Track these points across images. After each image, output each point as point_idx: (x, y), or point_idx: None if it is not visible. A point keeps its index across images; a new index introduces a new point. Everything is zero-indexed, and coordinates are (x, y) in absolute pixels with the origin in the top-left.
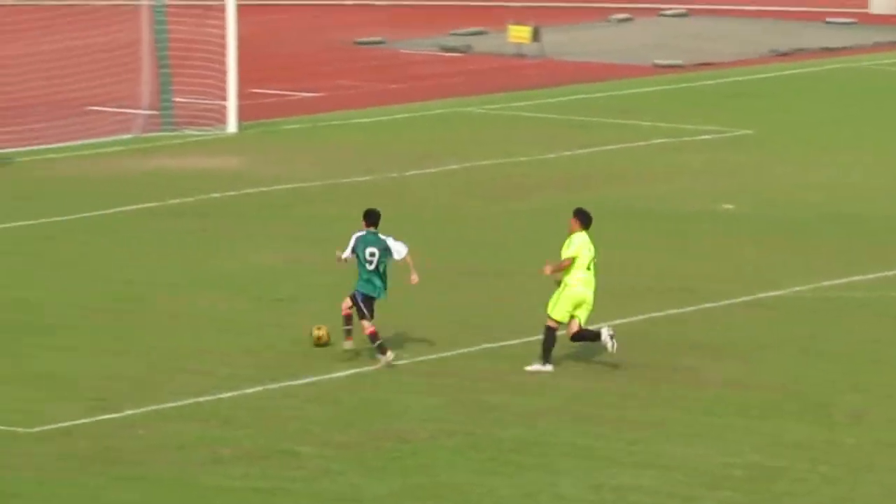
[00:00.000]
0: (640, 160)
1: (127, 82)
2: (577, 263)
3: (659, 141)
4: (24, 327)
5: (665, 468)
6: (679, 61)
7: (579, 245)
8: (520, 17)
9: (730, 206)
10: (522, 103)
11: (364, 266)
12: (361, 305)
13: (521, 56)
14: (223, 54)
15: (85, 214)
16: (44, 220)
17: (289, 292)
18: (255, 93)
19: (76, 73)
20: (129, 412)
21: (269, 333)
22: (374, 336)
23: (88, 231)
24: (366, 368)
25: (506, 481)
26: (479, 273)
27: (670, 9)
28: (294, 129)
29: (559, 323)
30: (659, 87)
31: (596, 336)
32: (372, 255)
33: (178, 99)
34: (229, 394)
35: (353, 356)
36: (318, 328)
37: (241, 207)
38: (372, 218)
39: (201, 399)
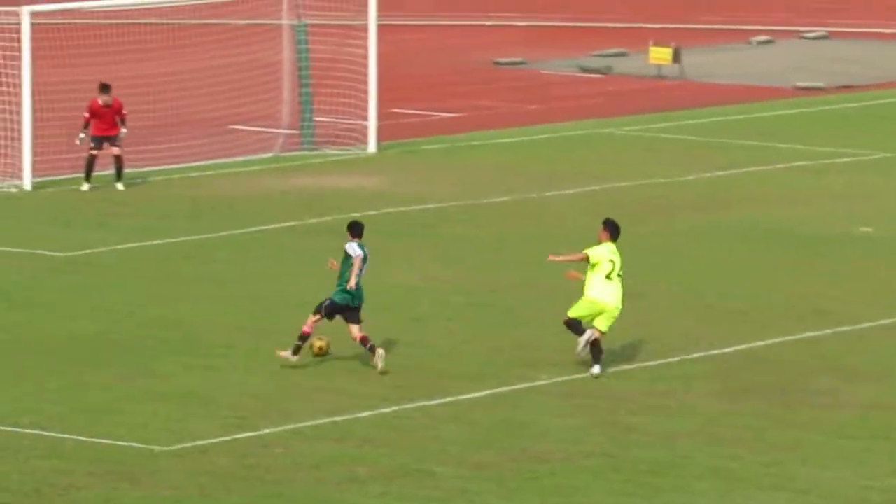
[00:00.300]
0: (780, 182)
1: (268, 101)
2: (597, 270)
3: (798, 163)
4: (164, 345)
5: (801, 491)
6: (820, 84)
7: (601, 253)
8: (660, 38)
9: (868, 229)
10: (662, 125)
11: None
12: (327, 313)
13: (661, 78)
14: (364, 74)
15: (224, 233)
16: (183, 238)
17: (426, 311)
18: (395, 112)
19: (218, 91)
20: (267, 430)
21: (406, 352)
22: (365, 340)
23: (228, 249)
24: (503, 389)
25: (643, 503)
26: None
27: (811, 31)
28: (433, 149)
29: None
30: (799, 110)
31: (581, 332)
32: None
33: (318, 118)
34: (366, 413)
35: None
36: (319, 339)
37: (380, 227)
38: (357, 230)
39: (338, 418)
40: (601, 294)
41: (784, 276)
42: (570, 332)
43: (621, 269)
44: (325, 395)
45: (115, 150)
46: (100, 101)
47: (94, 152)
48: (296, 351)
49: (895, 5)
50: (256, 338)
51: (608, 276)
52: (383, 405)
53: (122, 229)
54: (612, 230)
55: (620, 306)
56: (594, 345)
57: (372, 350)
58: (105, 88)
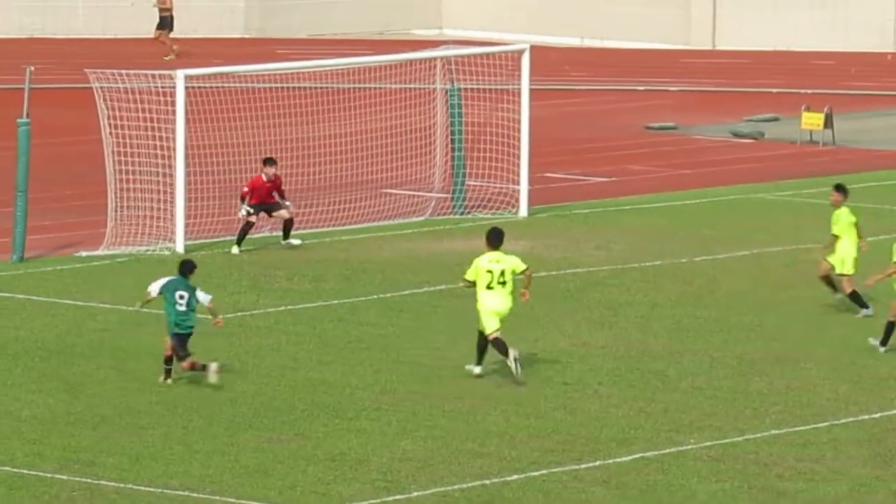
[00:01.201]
0: None
1: (421, 165)
2: (479, 284)
3: None
4: (315, 407)
5: None
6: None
7: (477, 267)
8: (813, 103)
9: None
10: (813, 190)
11: (174, 307)
12: (178, 348)
13: (812, 143)
14: (516, 138)
15: (376, 296)
16: (335, 301)
17: (576, 375)
18: (546, 177)
19: (372, 155)
20: (416, 493)
21: (556, 416)
22: (194, 365)
23: (379, 312)
24: (651, 453)
25: None
26: (766, 359)
27: None
28: (584, 213)
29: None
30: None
31: (505, 352)
32: (181, 297)
33: (470, 182)
34: (515, 476)
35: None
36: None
37: (531, 291)
38: (185, 268)
39: (487, 482)
40: (490, 304)
41: None
42: (497, 351)
43: (504, 273)
44: (475, 458)
45: (286, 214)
46: (263, 178)
47: (252, 219)
48: (167, 374)
49: None
50: (407, 401)
51: (489, 286)
52: (532, 468)
53: (275, 292)
54: (491, 239)
55: (510, 306)
56: (497, 343)
57: (204, 368)
58: (269, 162)
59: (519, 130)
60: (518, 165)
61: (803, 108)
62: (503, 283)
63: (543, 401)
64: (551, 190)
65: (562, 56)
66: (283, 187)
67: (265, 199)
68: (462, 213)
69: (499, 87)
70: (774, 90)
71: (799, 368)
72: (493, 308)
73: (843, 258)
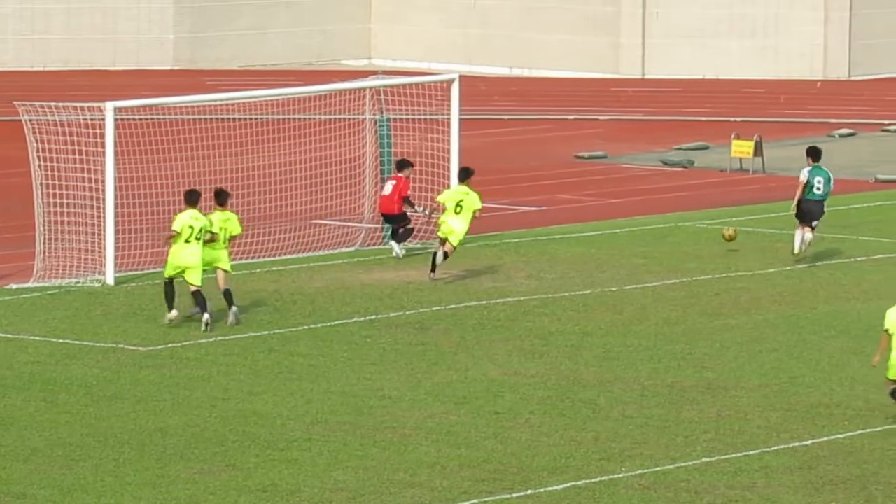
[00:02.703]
0: (861, 275)
1: (350, 196)
2: (179, 237)
3: (880, 256)
4: (247, 439)
5: None
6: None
7: (179, 221)
8: (742, 131)
9: None
10: (743, 218)
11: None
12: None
13: (742, 171)
14: (446, 168)
15: (307, 327)
16: (266, 332)
17: (507, 405)
18: None
19: (301, 186)
20: None
21: (487, 446)
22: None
23: (310, 343)
24: (582, 481)
25: None
26: (697, 387)
27: (894, 124)
28: (514, 242)
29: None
30: (880, 202)
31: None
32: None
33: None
34: None
35: None
36: (727, 228)
37: (461, 320)
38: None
39: None
40: (182, 258)
41: (867, 369)
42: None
43: (201, 230)
44: (406, 488)
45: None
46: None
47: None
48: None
49: None
50: (338, 431)
51: (187, 240)
52: (463, 498)
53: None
54: (217, 197)
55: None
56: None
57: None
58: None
59: (449, 160)
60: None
61: (733, 136)
62: (199, 239)
63: (475, 430)
64: (481, 219)
65: (491, 86)
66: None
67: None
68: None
69: (428, 116)
70: (704, 118)
71: (730, 396)
72: (185, 262)
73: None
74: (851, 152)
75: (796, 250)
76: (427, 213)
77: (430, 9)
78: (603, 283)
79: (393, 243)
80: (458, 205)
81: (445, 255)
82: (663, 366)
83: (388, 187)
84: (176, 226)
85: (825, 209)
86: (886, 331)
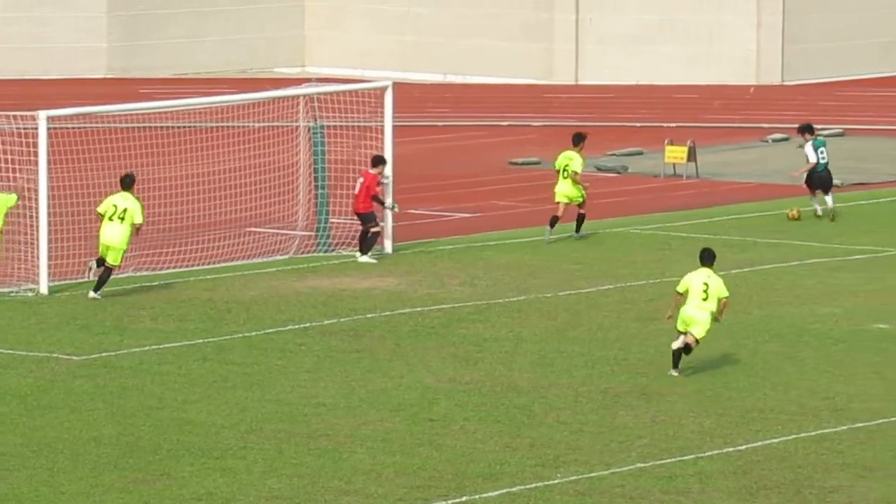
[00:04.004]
0: (795, 280)
1: (284, 203)
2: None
3: (813, 261)
4: (181, 447)
5: None
6: (836, 181)
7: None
8: (676, 137)
9: (884, 326)
10: (677, 223)
11: None
12: None
13: (676, 176)
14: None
15: (241, 335)
16: (200, 340)
17: (442, 412)
18: (411, 213)
19: (235, 194)
20: None
21: (422, 453)
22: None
23: (244, 351)
24: (517, 488)
25: None
26: (631, 393)
27: (827, 129)
28: (449, 249)
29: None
30: (814, 207)
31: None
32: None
33: (334, 220)
34: None
35: None
36: (792, 210)
37: (396, 327)
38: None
39: None
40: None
41: (800, 373)
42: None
43: (122, 211)
44: (341, 496)
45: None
46: None
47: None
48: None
49: None
50: (273, 439)
51: (110, 218)
52: None
53: (140, 332)
54: (123, 181)
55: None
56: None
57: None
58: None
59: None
60: (382, 202)
61: (666, 141)
62: (122, 218)
63: (409, 437)
64: (416, 226)
65: (425, 92)
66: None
67: None
68: (326, 251)
69: (362, 123)
70: (638, 124)
71: (664, 402)
72: (109, 241)
73: None
74: (785, 157)
75: (819, 213)
76: (394, 208)
77: (363, 16)
78: (537, 290)
79: (362, 259)
80: (564, 169)
81: (555, 219)
82: (598, 371)
83: (357, 185)
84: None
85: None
86: (678, 292)
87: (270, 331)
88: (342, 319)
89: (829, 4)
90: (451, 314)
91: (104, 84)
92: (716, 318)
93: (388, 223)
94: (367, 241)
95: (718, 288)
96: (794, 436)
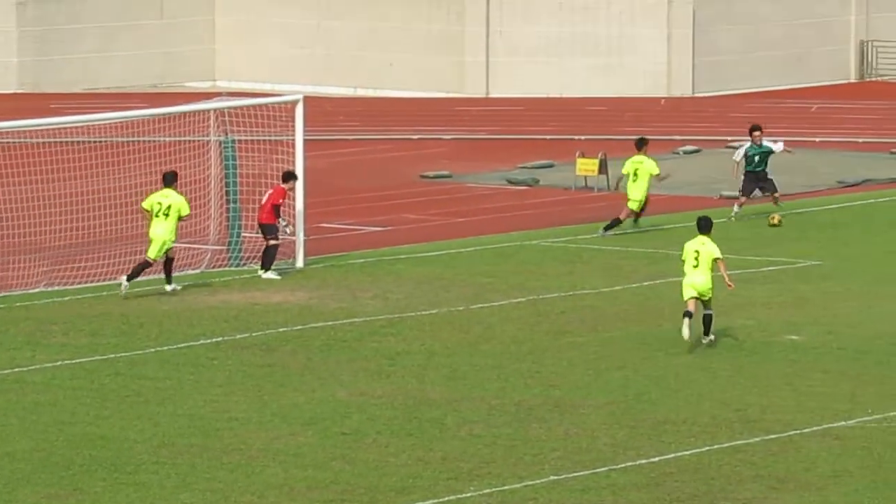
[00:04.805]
0: None
1: (196, 217)
2: None
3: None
4: (94, 462)
5: None
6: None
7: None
8: (587, 149)
9: (795, 337)
10: (588, 236)
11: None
12: None
13: (588, 189)
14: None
15: (153, 349)
16: (112, 355)
17: (354, 425)
18: (323, 227)
19: None
20: None
21: (335, 467)
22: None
23: (157, 366)
24: (430, 501)
25: None
26: (544, 406)
27: (737, 140)
28: (360, 263)
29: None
30: (725, 219)
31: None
32: None
33: (245, 234)
34: None
35: None
36: (773, 217)
37: (308, 342)
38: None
39: None
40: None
41: (712, 385)
42: None
43: (167, 207)
44: None
45: None
46: None
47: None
48: None
49: (821, 114)
50: (186, 454)
51: (156, 215)
52: None
53: (52, 347)
54: (165, 179)
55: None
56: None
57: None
58: None
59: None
60: (293, 216)
61: (578, 154)
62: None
63: (322, 451)
64: (327, 240)
65: (336, 106)
66: None
67: None
68: (238, 265)
69: (273, 137)
70: (549, 137)
71: (577, 414)
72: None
73: None
74: (696, 169)
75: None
76: (289, 230)
77: (274, 30)
78: (449, 303)
79: (264, 275)
80: (634, 173)
81: (618, 221)
82: (510, 384)
83: (266, 196)
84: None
85: None
86: (682, 260)
87: (183, 345)
88: (254, 334)
89: (738, 17)
90: (363, 328)
91: (15, 99)
92: (727, 284)
93: (299, 237)
94: (267, 256)
95: (709, 252)
96: (706, 447)
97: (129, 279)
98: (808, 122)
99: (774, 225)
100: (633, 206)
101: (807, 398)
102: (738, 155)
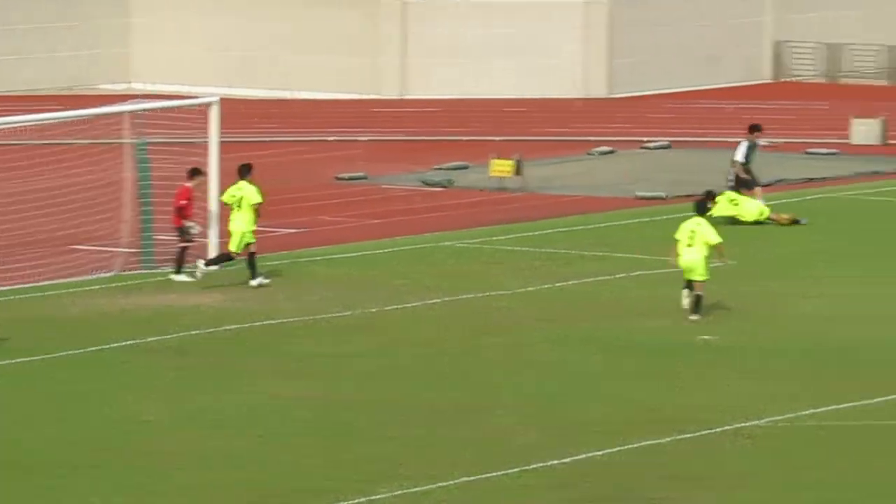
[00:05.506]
0: (621, 292)
1: (109, 220)
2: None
3: (640, 273)
4: (5, 466)
5: None
6: (661, 193)
7: None
8: (502, 151)
9: (709, 337)
10: (504, 237)
11: None
12: None
13: (503, 190)
14: (204, 192)
15: (64, 353)
16: (23, 359)
17: (268, 427)
18: None
19: (59, 212)
20: None
21: (248, 468)
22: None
23: (68, 370)
24: (342, 503)
25: None
26: (457, 407)
27: (653, 141)
28: (275, 265)
29: None
30: (640, 220)
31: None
32: None
33: (158, 237)
34: None
35: None
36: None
37: (221, 344)
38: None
39: None
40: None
41: (626, 385)
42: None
43: (239, 199)
44: None
45: None
46: None
47: None
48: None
49: (736, 115)
50: (100, 457)
51: (234, 208)
52: None
53: None
54: (240, 171)
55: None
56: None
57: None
58: None
59: (208, 183)
60: (206, 218)
61: (493, 155)
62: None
63: (235, 454)
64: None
65: (251, 108)
66: None
67: None
68: (151, 268)
69: (188, 140)
70: (464, 138)
71: (490, 415)
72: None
73: None
74: (611, 170)
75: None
76: (193, 231)
77: (189, 32)
78: (363, 304)
79: (176, 278)
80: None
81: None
82: (424, 386)
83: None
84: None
85: None
86: (676, 239)
87: (94, 349)
88: (167, 336)
89: (654, 18)
90: (277, 330)
91: None
92: (723, 262)
93: (212, 239)
94: (177, 258)
95: (705, 235)
96: (618, 448)
97: (207, 264)
98: (723, 122)
99: (787, 223)
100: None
101: (719, 398)
102: (741, 154)
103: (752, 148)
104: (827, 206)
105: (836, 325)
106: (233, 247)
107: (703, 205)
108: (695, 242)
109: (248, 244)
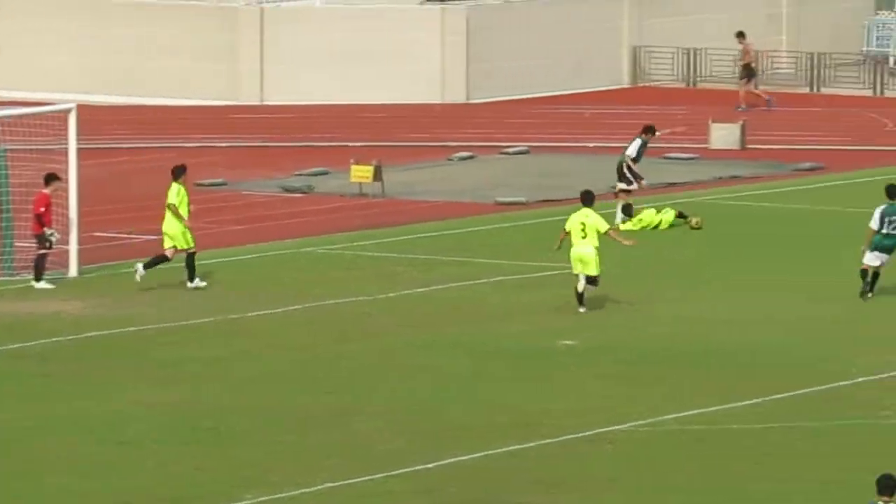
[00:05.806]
0: (483, 298)
1: None
2: None
3: (500, 278)
4: None
5: None
6: (521, 198)
7: None
8: (362, 156)
9: (569, 342)
10: (364, 242)
11: None
12: None
13: (363, 196)
14: (64, 198)
15: None
16: None
17: (132, 434)
18: (96, 236)
19: None
20: None
21: (112, 476)
22: None
23: None
24: None
25: None
26: (323, 413)
27: (512, 146)
28: (135, 271)
29: None
30: (500, 225)
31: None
32: None
33: (18, 244)
34: None
35: None
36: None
37: (84, 351)
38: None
39: None
40: None
41: (489, 390)
42: None
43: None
44: None
45: None
46: None
47: None
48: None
49: (595, 120)
50: None
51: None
52: None
53: None
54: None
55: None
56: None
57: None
58: None
59: (67, 190)
60: (67, 225)
61: (352, 161)
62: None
63: (100, 460)
64: (102, 248)
65: (111, 115)
66: None
67: None
68: (11, 275)
69: (46, 147)
70: (324, 144)
71: (356, 421)
72: None
73: None
74: (470, 175)
75: None
76: (53, 238)
77: (45, 37)
78: (226, 311)
79: (37, 286)
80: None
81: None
82: (289, 392)
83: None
84: None
85: None
86: (564, 230)
87: None
88: (29, 344)
89: (513, 23)
90: (141, 336)
91: None
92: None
93: (72, 246)
94: (36, 265)
95: (595, 224)
96: (482, 453)
97: (146, 267)
98: (582, 127)
99: (696, 227)
100: (184, 241)
101: (582, 402)
102: (633, 149)
103: (643, 146)
104: (687, 210)
105: (697, 328)
106: (184, 244)
107: (589, 195)
108: (587, 233)
109: (178, 246)
